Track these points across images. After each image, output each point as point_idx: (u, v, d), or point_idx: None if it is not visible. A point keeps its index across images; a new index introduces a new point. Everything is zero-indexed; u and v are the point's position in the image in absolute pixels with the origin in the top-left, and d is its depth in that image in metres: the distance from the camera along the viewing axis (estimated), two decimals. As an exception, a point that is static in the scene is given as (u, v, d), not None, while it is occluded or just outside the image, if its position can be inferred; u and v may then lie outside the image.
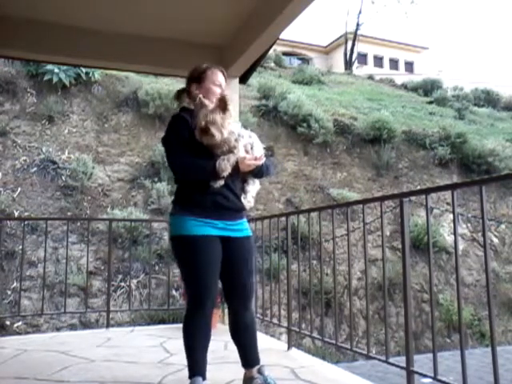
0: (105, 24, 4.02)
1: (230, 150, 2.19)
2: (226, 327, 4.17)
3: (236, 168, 2.21)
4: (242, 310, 2.33)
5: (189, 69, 2.45)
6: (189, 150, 2.20)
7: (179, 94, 2.47)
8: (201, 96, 2.23)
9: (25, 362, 3.14)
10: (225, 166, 2.14)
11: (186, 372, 2.24)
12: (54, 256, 6.79)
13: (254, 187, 2.40)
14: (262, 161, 2.32)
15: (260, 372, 2.33)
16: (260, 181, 2.47)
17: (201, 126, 2.13)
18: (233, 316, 2.37)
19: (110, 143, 8.84)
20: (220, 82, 2.39)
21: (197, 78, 2.38)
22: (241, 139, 2.25)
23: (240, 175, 2.30)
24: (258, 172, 2.35)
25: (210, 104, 2.20)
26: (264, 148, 2.42)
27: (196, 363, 2.20)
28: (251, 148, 2.30)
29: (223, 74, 2.43)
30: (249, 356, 2.36)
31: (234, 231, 2.30)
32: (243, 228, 2.35)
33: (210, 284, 2.20)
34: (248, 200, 2.36)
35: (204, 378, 2.19)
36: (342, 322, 7.56)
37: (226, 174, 2.15)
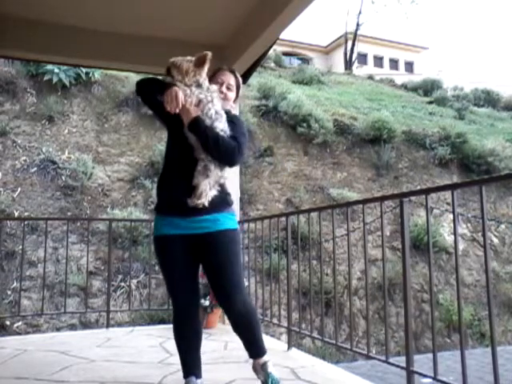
0: (104, 24, 4.02)
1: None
2: (227, 327, 4.18)
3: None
4: (230, 304, 2.20)
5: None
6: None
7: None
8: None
9: (25, 362, 3.14)
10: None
11: (185, 372, 2.24)
12: (54, 256, 6.79)
13: (211, 179, 2.11)
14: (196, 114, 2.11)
15: (263, 369, 2.27)
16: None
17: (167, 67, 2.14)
18: (225, 312, 2.30)
19: (109, 143, 8.84)
20: (223, 80, 2.35)
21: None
22: (197, 89, 2.13)
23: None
24: (204, 138, 2.08)
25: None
26: (228, 116, 2.23)
27: (184, 364, 2.24)
28: (199, 104, 2.12)
29: (234, 74, 2.41)
30: (249, 348, 2.30)
31: (201, 229, 2.15)
32: (213, 223, 2.16)
33: (176, 285, 2.20)
34: (198, 194, 2.08)
35: (197, 377, 2.21)
36: (341, 322, 7.56)
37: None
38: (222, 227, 2.17)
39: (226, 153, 2.10)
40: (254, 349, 2.30)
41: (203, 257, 2.21)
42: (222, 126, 2.15)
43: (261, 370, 2.27)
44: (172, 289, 2.23)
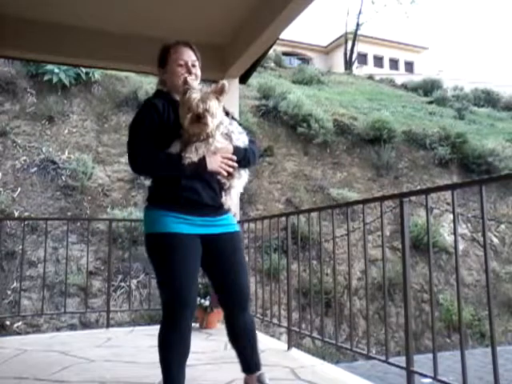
0: (105, 24, 4.02)
1: (207, 137, 1.95)
2: (226, 327, 4.16)
3: (203, 165, 1.95)
4: (237, 312, 2.09)
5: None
6: (157, 140, 1.95)
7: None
8: (187, 77, 1.99)
9: (25, 362, 3.14)
10: (190, 152, 1.92)
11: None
12: (54, 256, 6.79)
13: (239, 181, 2.10)
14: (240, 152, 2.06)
15: (260, 381, 2.13)
16: (250, 179, 2.37)
17: (197, 113, 1.87)
18: (228, 319, 2.13)
19: (109, 143, 8.83)
20: (185, 61, 2.09)
21: (160, 62, 2.13)
22: (221, 126, 1.99)
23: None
24: (243, 159, 2.07)
25: (198, 87, 1.96)
26: (248, 135, 2.16)
27: (172, 380, 1.95)
28: (227, 135, 2.03)
29: (191, 48, 2.15)
30: (249, 361, 2.15)
31: (217, 227, 2.05)
32: (228, 223, 2.10)
33: (185, 290, 1.92)
34: (231, 197, 2.06)
35: None
36: (342, 322, 7.56)
37: (188, 161, 1.91)
38: (237, 228, 2.19)
39: (254, 164, 2.18)
40: (254, 361, 2.16)
41: (216, 257, 2.09)
42: (243, 139, 2.10)
43: (257, 382, 2.14)
44: (177, 294, 1.95)
